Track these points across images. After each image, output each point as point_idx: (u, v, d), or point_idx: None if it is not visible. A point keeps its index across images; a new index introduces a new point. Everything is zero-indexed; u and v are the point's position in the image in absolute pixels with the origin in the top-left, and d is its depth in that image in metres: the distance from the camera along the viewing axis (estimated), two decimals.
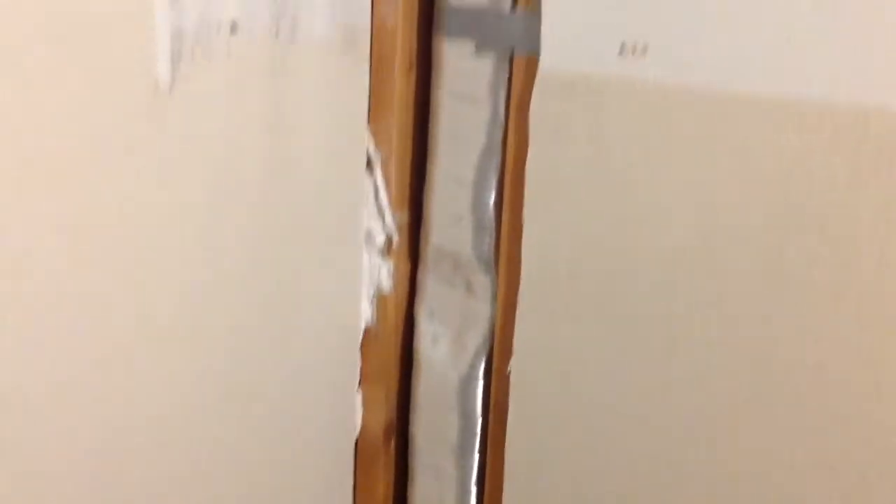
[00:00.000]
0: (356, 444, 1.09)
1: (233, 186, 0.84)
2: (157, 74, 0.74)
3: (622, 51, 0.86)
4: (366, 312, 1.06)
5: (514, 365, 0.99)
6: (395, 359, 1.08)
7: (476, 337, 1.03)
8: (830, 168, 0.78)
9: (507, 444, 1.01)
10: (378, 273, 1.05)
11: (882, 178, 0.76)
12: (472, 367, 1.04)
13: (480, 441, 1.05)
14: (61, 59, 0.66)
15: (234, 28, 0.81)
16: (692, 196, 0.86)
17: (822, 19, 0.77)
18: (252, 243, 0.88)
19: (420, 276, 1.05)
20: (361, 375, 1.07)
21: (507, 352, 1.00)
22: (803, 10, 0.78)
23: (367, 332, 1.06)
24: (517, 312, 0.97)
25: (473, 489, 1.07)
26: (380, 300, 1.05)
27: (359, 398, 1.08)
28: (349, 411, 1.07)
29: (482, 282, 1.01)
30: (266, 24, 0.85)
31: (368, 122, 1.00)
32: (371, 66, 0.99)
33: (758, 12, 0.80)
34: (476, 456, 1.06)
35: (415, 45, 1.00)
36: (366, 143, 1.01)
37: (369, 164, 1.02)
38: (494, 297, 1.01)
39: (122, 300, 0.75)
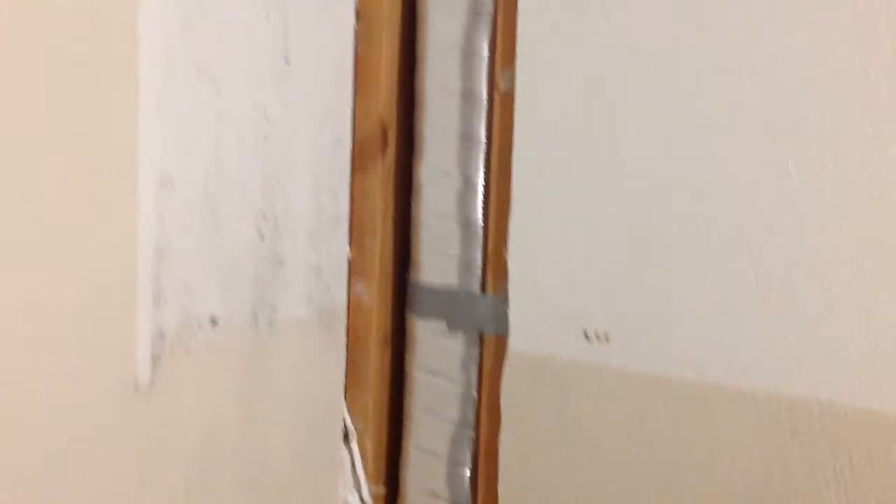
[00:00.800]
0: None
1: (209, 472, 0.85)
2: (136, 375, 0.76)
3: (586, 337, 0.89)
4: None
5: None
6: None
7: None
8: (789, 458, 0.80)
9: None
10: None
11: (842, 471, 0.78)
12: None
13: None
14: (40, 366, 0.69)
15: (213, 322, 0.84)
16: (656, 477, 0.87)
17: (773, 315, 0.81)
18: None
19: None
20: None
21: None
22: (755, 303, 0.82)
23: None
24: None
25: None
26: None
27: None
28: None
29: None
30: (245, 315, 0.88)
31: (345, 395, 1.03)
32: (347, 342, 1.02)
33: (712, 306, 0.84)
34: None
35: (389, 323, 1.04)
36: (342, 416, 1.03)
37: (346, 436, 1.03)
38: None
39: None
